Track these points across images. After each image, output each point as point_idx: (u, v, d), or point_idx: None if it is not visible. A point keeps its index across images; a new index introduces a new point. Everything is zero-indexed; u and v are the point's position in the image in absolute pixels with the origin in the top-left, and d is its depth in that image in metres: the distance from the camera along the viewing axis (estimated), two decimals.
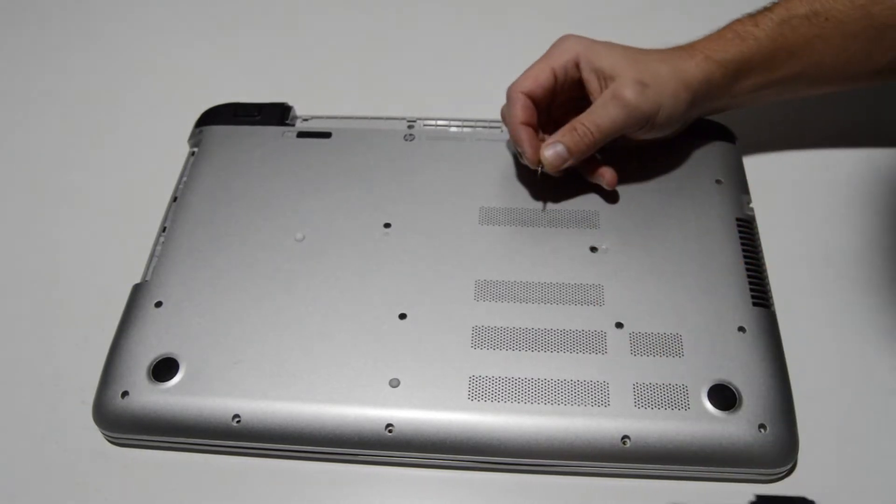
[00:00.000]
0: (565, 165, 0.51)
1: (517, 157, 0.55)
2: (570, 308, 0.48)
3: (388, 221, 0.52)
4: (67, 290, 0.54)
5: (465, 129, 0.58)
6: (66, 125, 0.66)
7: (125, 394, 0.45)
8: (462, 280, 0.49)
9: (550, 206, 0.53)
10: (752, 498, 0.43)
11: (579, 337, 0.47)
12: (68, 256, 0.56)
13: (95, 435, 0.47)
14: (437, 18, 0.74)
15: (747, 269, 0.49)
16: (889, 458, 0.45)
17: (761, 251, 0.52)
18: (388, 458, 0.45)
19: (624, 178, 0.53)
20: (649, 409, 0.44)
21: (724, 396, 0.44)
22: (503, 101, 0.54)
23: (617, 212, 0.53)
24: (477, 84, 0.65)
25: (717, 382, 0.45)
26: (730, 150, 0.57)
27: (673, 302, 0.48)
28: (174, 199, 0.55)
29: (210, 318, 0.48)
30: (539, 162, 0.51)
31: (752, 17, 0.52)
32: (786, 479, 0.44)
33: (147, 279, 0.51)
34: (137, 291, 0.50)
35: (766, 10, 0.52)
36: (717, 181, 0.54)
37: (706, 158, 0.56)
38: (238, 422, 0.44)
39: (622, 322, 0.47)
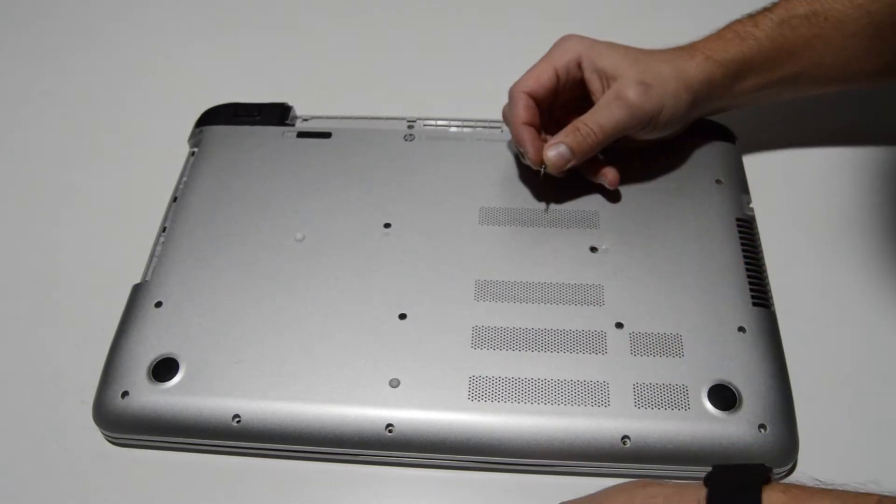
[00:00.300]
0: (568, 166, 0.50)
1: (518, 157, 0.55)
2: (570, 308, 0.48)
3: (388, 221, 0.52)
4: (67, 290, 0.54)
5: (465, 129, 0.58)
6: (66, 125, 0.65)
7: (125, 394, 0.45)
8: (462, 280, 0.49)
9: (550, 206, 0.53)
10: (709, 467, 0.42)
11: (579, 337, 0.47)
12: (68, 256, 0.56)
13: (95, 435, 0.47)
14: (438, 18, 0.74)
15: (747, 269, 0.49)
16: (889, 458, 0.45)
17: (761, 251, 0.52)
18: (388, 459, 0.45)
19: (624, 179, 0.53)
20: (649, 409, 0.44)
21: (724, 396, 0.44)
22: (503, 101, 0.54)
23: (617, 212, 0.53)
24: (477, 84, 0.65)
25: (717, 382, 0.45)
26: (730, 150, 0.57)
27: (673, 302, 0.48)
28: (174, 199, 0.55)
29: (210, 318, 0.48)
30: (542, 162, 0.51)
31: (751, 17, 0.53)
32: (786, 480, 0.44)
33: (147, 279, 0.51)
34: (137, 291, 0.50)
35: (765, 10, 0.53)
36: (717, 181, 0.54)
37: (706, 158, 0.56)
38: (238, 422, 0.44)
39: (622, 322, 0.47)
